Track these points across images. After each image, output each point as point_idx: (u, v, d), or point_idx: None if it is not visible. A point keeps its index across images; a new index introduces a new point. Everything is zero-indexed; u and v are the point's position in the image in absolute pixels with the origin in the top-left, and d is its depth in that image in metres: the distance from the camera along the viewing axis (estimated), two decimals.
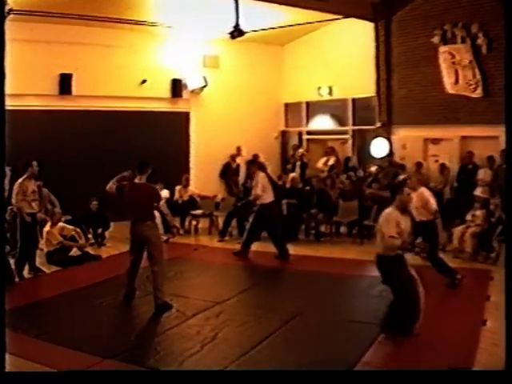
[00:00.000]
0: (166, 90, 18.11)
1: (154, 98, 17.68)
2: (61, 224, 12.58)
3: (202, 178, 17.79)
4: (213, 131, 18.56)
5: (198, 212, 15.90)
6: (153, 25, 16.11)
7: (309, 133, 20.55)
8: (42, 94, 15.71)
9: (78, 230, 12.99)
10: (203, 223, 16.01)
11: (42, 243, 12.18)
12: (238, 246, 13.10)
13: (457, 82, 15.79)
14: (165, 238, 13.20)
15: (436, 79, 16.15)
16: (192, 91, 18.57)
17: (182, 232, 15.60)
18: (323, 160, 18.17)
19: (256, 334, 7.79)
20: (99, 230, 14.35)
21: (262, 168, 13.60)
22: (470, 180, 14.45)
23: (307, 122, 20.57)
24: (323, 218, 14.79)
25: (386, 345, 7.45)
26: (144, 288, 9.68)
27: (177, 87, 18.20)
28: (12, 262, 10.90)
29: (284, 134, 21.03)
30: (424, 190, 10.08)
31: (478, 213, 12.38)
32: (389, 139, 17.25)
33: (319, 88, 19.41)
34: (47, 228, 12.20)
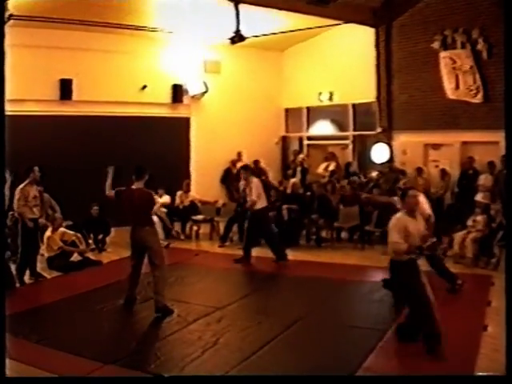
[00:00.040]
0: (166, 96, 18.12)
1: (155, 103, 17.70)
2: (62, 229, 12.58)
3: (203, 184, 17.80)
4: (213, 137, 18.57)
5: (199, 217, 15.90)
6: (153, 30, 16.17)
7: (309, 138, 20.57)
8: (42, 99, 15.73)
9: (79, 235, 12.98)
10: (204, 228, 16.00)
11: (43, 248, 12.17)
12: (239, 252, 13.08)
13: (457, 87, 15.81)
14: (165, 243, 13.24)
15: (436, 84, 16.17)
16: (192, 97, 18.60)
17: (182, 237, 15.64)
18: (324, 165, 18.19)
19: (257, 340, 7.78)
20: (100, 236, 14.35)
21: (255, 173, 13.66)
22: (470, 185, 14.45)
23: (308, 127, 20.60)
24: (324, 224, 14.78)
25: (386, 350, 7.44)
26: (145, 293, 9.67)
27: (177, 93, 18.21)
28: (13, 267, 10.89)
29: (284, 140, 21.04)
30: (419, 195, 10.07)
31: (479, 218, 12.37)
32: (389, 144, 17.26)
33: (320, 93, 19.43)
34: (48, 233, 12.20)
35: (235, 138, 18.61)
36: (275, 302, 9.86)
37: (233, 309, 9.39)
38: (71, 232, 12.82)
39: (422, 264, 7.84)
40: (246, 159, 18.51)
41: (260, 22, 15.57)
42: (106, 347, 7.69)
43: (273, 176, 18.68)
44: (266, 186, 16.36)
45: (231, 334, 8.15)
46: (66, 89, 16.03)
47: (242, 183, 13.21)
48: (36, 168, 11.00)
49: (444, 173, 15.79)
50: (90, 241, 14.10)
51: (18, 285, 10.73)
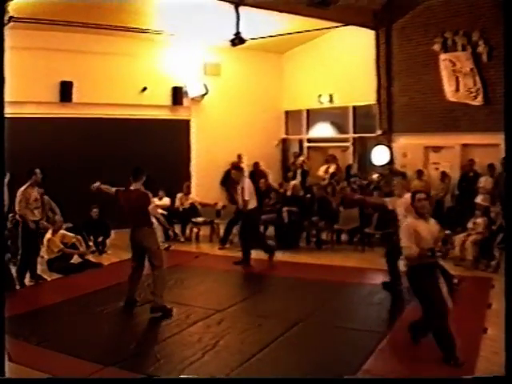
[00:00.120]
0: (166, 98, 18.14)
1: (155, 105, 17.71)
2: (62, 231, 12.57)
3: (203, 186, 17.82)
4: (213, 139, 18.59)
5: (199, 219, 15.91)
6: (153, 32, 16.16)
7: (309, 140, 20.59)
8: (42, 101, 15.74)
9: (79, 237, 12.98)
10: (204, 231, 16.00)
11: (43, 251, 12.16)
12: (238, 254, 13.08)
13: (457, 89, 15.82)
14: (166, 245, 13.25)
15: (437, 87, 16.19)
16: (193, 99, 18.62)
17: (182, 239, 15.64)
18: (324, 168, 18.20)
19: (257, 342, 7.78)
20: (100, 238, 14.35)
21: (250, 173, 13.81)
22: (470, 188, 14.46)
23: (308, 129, 20.62)
24: (324, 226, 14.78)
25: (386, 352, 7.44)
26: (145, 296, 9.66)
27: (177, 95, 18.23)
28: (13, 269, 10.89)
29: (284, 142, 21.06)
30: (409, 197, 10.04)
31: (479, 220, 12.38)
32: (389, 147, 17.27)
33: (320, 96, 19.45)
34: (48, 235, 12.19)
35: (235, 140, 18.62)
36: (275, 304, 9.85)
37: (233, 311, 9.38)
38: (71, 234, 12.82)
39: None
40: (246, 161, 18.52)
41: (260, 24, 15.58)
42: (106, 349, 7.69)
43: (273, 178, 18.70)
44: (267, 188, 16.48)
45: (231, 336, 8.15)
46: (66, 91, 16.05)
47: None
48: (38, 170, 11.00)
49: (444, 175, 15.81)
50: (91, 243, 14.10)
51: (18, 287, 10.72)
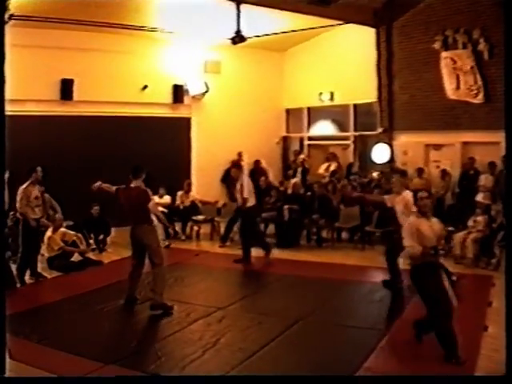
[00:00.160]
0: (167, 96, 18.12)
1: (155, 103, 17.70)
2: (62, 229, 12.58)
3: (204, 184, 17.82)
4: (214, 137, 18.57)
5: (200, 217, 15.92)
6: (154, 30, 16.16)
7: (310, 138, 20.56)
8: (42, 99, 15.73)
9: (80, 235, 13.00)
10: (205, 229, 16.01)
11: (44, 249, 12.18)
12: (239, 252, 13.08)
13: (458, 87, 15.80)
14: (166, 243, 13.26)
15: (437, 85, 16.16)
16: (193, 97, 18.60)
17: (183, 237, 15.64)
18: (325, 166, 18.19)
19: (258, 340, 7.79)
20: (101, 236, 14.36)
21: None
22: (471, 186, 14.44)
23: (308, 127, 20.59)
24: (325, 224, 14.78)
25: (387, 350, 7.45)
26: (145, 294, 9.67)
27: (178, 93, 18.21)
28: (13, 267, 10.89)
29: (285, 140, 21.04)
30: (407, 194, 10.04)
31: (480, 218, 12.38)
32: (390, 145, 17.24)
33: (320, 94, 19.42)
34: (49, 233, 12.20)
35: (236, 138, 18.60)
36: (276, 302, 9.85)
37: (233, 309, 9.40)
38: (72, 232, 12.84)
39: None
40: (247, 159, 18.50)
41: (261, 22, 15.57)
42: (106, 347, 7.71)
43: (273, 176, 18.69)
44: (268, 186, 16.49)
45: (232, 334, 8.16)
46: (66, 89, 16.03)
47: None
48: (39, 168, 11.01)
49: (445, 173, 15.78)
50: (91, 241, 14.11)
51: (18, 285, 10.74)
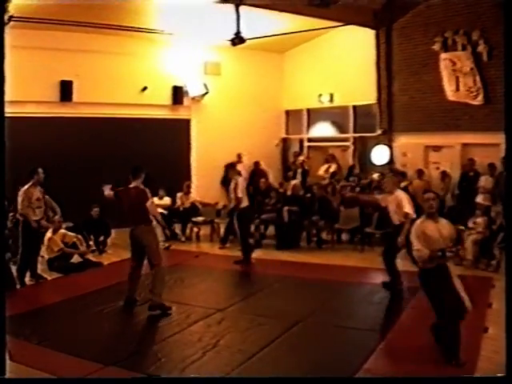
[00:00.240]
0: (166, 97, 18.14)
1: (155, 105, 17.71)
2: (62, 231, 12.58)
3: (204, 185, 17.82)
4: (214, 138, 18.58)
5: (200, 219, 15.91)
6: (154, 32, 16.15)
7: (310, 140, 20.57)
8: (42, 100, 15.73)
9: (80, 236, 13.00)
10: (204, 230, 16.01)
11: (44, 250, 12.17)
12: (239, 253, 13.07)
13: (458, 89, 15.81)
14: (166, 245, 13.25)
15: (437, 86, 16.18)
16: (193, 98, 18.61)
17: (183, 239, 15.64)
18: (324, 167, 18.19)
19: (258, 341, 7.78)
20: (101, 237, 14.35)
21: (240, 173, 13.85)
22: (471, 187, 14.44)
23: (308, 129, 20.60)
24: (324, 225, 14.79)
25: (387, 352, 7.44)
26: (145, 295, 9.66)
27: (178, 94, 18.23)
28: (13, 268, 10.89)
29: (285, 141, 21.04)
30: (399, 193, 10.04)
31: (480, 220, 12.37)
32: (390, 146, 17.26)
33: (320, 95, 19.44)
34: (49, 235, 12.19)
35: (235, 140, 18.61)
36: (275, 304, 9.84)
37: (233, 310, 9.40)
38: (72, 234, 12.83)
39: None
40: (247, 161, 18.53)
41: (260, 23, 15.58)
42: (106, 348, 7.70)
43: (273, 178, 18.70)
44: (267, 187, 16.50)
45: (232, 335, 8.16)
46: (66, 90, 16.05)
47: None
48: (40, 170, 11.02)
49: (444, 175, 15.79)
50: (91, 242, 14.11)
51: (18, 286, 10.74)
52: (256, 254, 13.06)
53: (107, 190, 9.62)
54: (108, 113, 16.61)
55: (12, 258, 11.32)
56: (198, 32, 16.32)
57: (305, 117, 20.55)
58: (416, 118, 16.83)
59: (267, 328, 8.39)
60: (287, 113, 21.03)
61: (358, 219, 14.46)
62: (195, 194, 16.66)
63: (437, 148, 16.90)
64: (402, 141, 17.32)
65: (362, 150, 18.94)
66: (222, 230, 15.13)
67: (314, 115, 20.46)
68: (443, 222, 7.14)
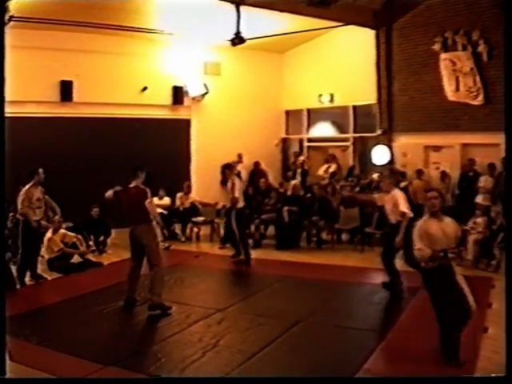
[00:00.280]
0: (167, 97, 18.14)
1: (155, 105, 17.71)
2: (62, 231, 12.57)
3: (203, 185, 17.81)
4: (214, 138, 18.57)
5: (200, 219, 15.92)
6: (154, 32, 16.14)
7: (310, 140, 20.57)
8: (42, 100, 15.74)
9: (80, 236, 13.00)
10: (204, 230, 16.02)
11: (44, 250, 12.17)
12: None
13: (458, 89, 15.82)
14: (166, 245, 13.25)
15: (437, 86, 16.18)
16: (193, 98, 18.61)
17: (183, 239, 15.65)
18: (324, 167, 18.18)
19: (258, 341, 7.78)
20: (101, 237, 14.35)
21: (238, 174, 14.03)
22: (471, 187, 14.44)
23: (308, 129, 20.60)
24: (324, 225, 14.79)
25: (386, 352, 7.44)
26: (145, 295, 9.65)
27: (178, 94, 18.23)
28: (13, 268, 10.89)
29: (285, 141, 21.04)
30: (396, 192, 10.04)
31: (480, 220, 12.37)
32: (390, 146, 17.26)
33: (320, 95, 19.45)
34: (49, 235, 12.19)
35: (235, 140, 18.61)
36: (275, 304, 9.83)
37: (233, 310, 9.39)
38: (72, 234, 12.83)
39: None
40: (247, 161, 18.53)
41: (261, 23, 15.57)
42: (106, 348, 7.70)
43: (273, 178, 18.70)
44: (267, 187, 16.50)
45: (231, 335, 8.15)
46: (66, 90, 16.06)
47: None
48: (40, 170, 11.03)
49: (444, 175, 15.78)
50: (91, 242, 14.11)
51: (18, 286, 10.73)
52: (256, 254, 13.05)
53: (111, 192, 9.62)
54: (108, 113, 16.61)
55: (12, 258, 11.33)
56: (198, 32, 16.31)
57: (305, 117, 20.55)
58: (416, 118, 16.83)
59: (267, 328, 8.38)
60: (287, 113, 21.03)
61: (357, 219, 14.46)
62: (195, 194, 16.67)
63: (437, 148, 16.90)
64: (402, 141, 17.32)
65: (362, 150, 18.95)
66: (222, 230, 15.12)
67: (314, 115, 20.46)
68: (447, 220, 7.03)
